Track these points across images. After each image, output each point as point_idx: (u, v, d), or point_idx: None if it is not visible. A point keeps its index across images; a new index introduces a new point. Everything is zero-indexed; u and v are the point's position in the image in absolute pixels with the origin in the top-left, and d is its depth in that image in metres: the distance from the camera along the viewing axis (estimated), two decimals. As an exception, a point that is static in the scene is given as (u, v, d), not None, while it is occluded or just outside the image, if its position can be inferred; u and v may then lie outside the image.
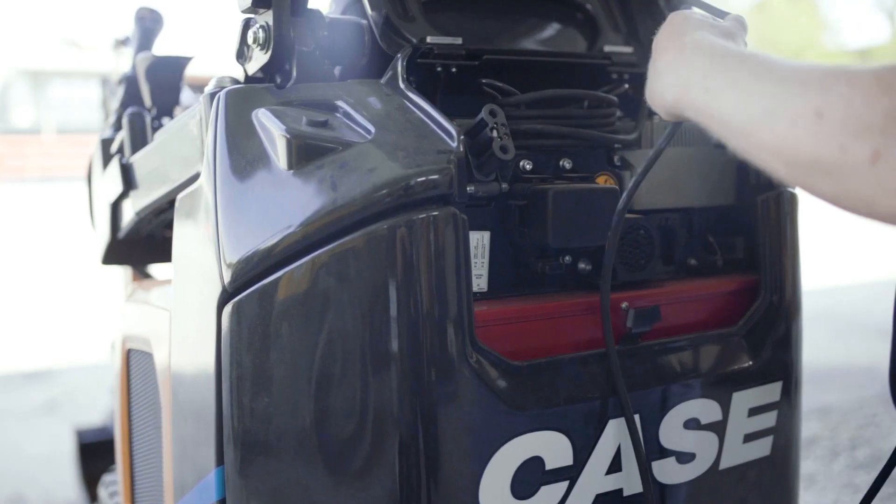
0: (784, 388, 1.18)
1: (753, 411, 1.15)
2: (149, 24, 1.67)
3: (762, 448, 1.17)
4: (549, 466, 0.99)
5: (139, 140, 1.40)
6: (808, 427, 3.35)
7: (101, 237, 1.55)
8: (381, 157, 0.94)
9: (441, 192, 0.92)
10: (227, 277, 0.98)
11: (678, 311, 1.13)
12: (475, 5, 1.23)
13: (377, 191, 0.91)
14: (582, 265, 1.10)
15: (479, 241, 1.04)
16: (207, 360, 1.03)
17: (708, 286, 1.17)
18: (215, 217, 1.02)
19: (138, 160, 1.37)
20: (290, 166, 0.97)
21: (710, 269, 1.20)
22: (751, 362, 1.14)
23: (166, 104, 1.48)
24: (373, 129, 0.98)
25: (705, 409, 1.10)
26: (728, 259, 1.21)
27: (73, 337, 4.84)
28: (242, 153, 1.02)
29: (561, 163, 1.08)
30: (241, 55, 1.13)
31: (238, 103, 1.06)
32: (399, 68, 1.05)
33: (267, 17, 1.07)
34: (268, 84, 1.09)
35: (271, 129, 0.99)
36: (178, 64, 1.48)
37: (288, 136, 0.96)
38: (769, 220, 1.17)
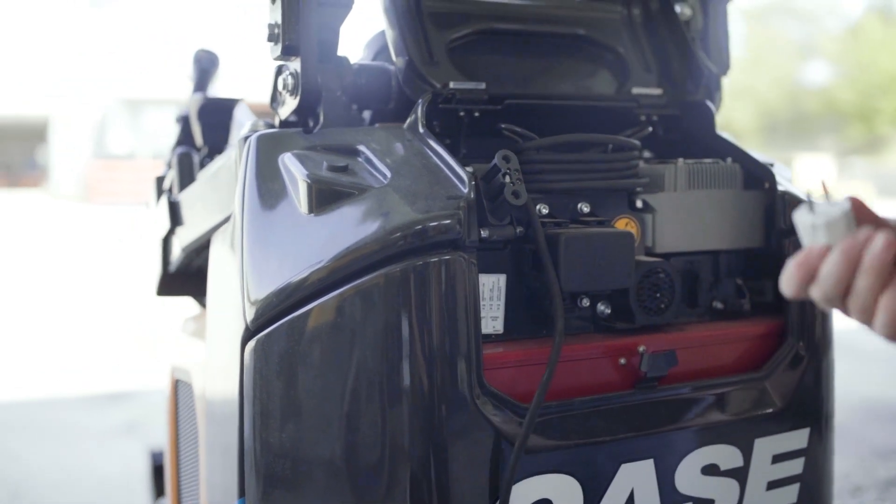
0: (812, 435, 1.16)
1: (778, 458, 1.13)
2: (205, 66, 1.74)
3: (788, 496, 1.14)
4: (558, 510, 1.00)
5: (187, 179, 1.46)
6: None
7: (154, 270, 1.62)
8: (394, 203, 0.98)
9: (450, 237, 0.94)
10: (249, 315, 1.03)
11: (700, 355, 1.13)
12: (504, 48, 1.26)
13: (388, 235, 0.94)
14: (601, 307, 1.10)
15: (495, 283, 1.06)
16: (233, 395, 1.07)
17: (732, 330, 1.16)
18: (241, 256, 1.06)
19: (184, 198, 1.44)
20: (310, 210, 1.01)
21: (737, 313, 1.19)
22: (775, 408, 1.12)
23: (216, 144, 1.54)
24: (389, 174, 1.01)
25: (725, 455, 1.09)
26: (757, 303, 1.20)
27: (157, 359, 5.01)
28: (268, 196, 1.07)
29: (579, 206, 1.10)
30: (275, 100, 1.18)
31: (267, 147, 1.10)
32: (419, 113, 1.09)
33: (296, 65, 1.12)
34: (297, 129, 1.14)
35: (294, 174, 1.04)
36: (228, 105, 1.54)
37: (308, 181, 1.01)
38: (796, 264, 1.15)
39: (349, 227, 0.98)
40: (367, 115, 1.25)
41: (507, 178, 0.99)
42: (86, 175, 21.98)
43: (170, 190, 1.52)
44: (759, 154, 1.31)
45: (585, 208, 1.10)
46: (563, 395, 1.04)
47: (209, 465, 1.23)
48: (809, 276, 0.71)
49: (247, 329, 1.03)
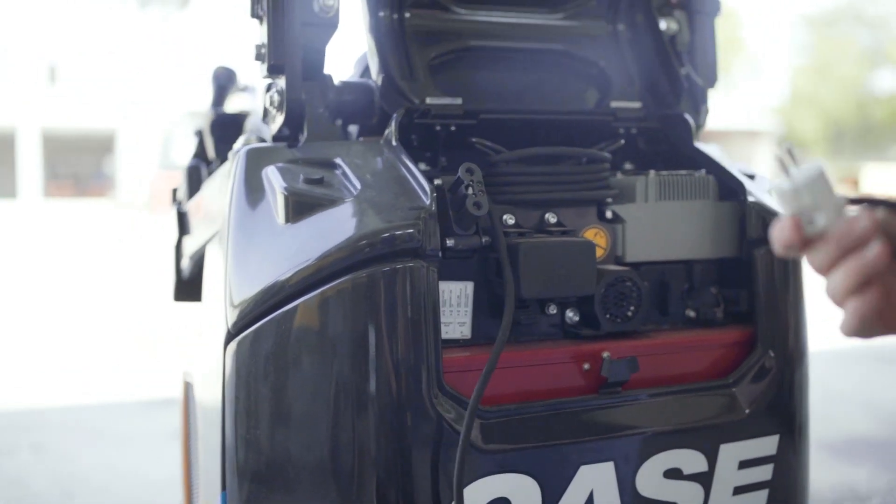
0: (781, 442, 1.17)
1: (745, 464, 1.15)
2: (222, 82, 1.83)
3: (756, 501, 1.16)
4: (517, 509, 1.03)
5: (194, 190, 1.54)
6: None
7: (170, 276, 1.70)
8: (361, 213, 1.03)
9: (411, 246, 1.00)
10: (230, 319, 1.09)
11: (668, 361, 1.16)
12: (486, 64, 1.31)
13: (354, 244, 1.00)
14: (570, 314, 1.14)
15: (462, 290, 1.10)
16: (217, 395, 1.13)
17: (701, 338, 1.19)
18: (225, 262, 1.13)
19: (190, 208, 1.51)
20: (286, 219, 1.07)
21: (709, 321, 1.22)
22: (741, 415, 1.15)
23: (227, 157, 1.62)
24: (360, 186, 1.07)
25: (688, 459, 1.12)
26: (731, 312, 1.23)
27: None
28: (252, 206, 1.14)
29: (546, 217, 1.14)
30: (265, 116, 1.25)
31: (254, 161, 1.17)
32: (392, 128, 1.14)
33: (282, 83, 1.18)
34: (284, 143, 1.20)
35: (274, 185, 1.10)
36: (238, 120, 1.62)
37: (285, 192, 1.07)
38: (766, 274, 1.18)
39: (320, 236, 1.04)
40: (354, 129, 1.31)
41: (470, 190, 1.04)
42: (150, 185, 22.56)
43: (180, 200, 1.60)
44: (741, 166, 1.34)
45: (552, 219, 1.14)
46: (528, 398, 1.08)
47: (203, 460, 1.30)
48: (802, 242, 0.70)
49: (228, 332, 1.10)
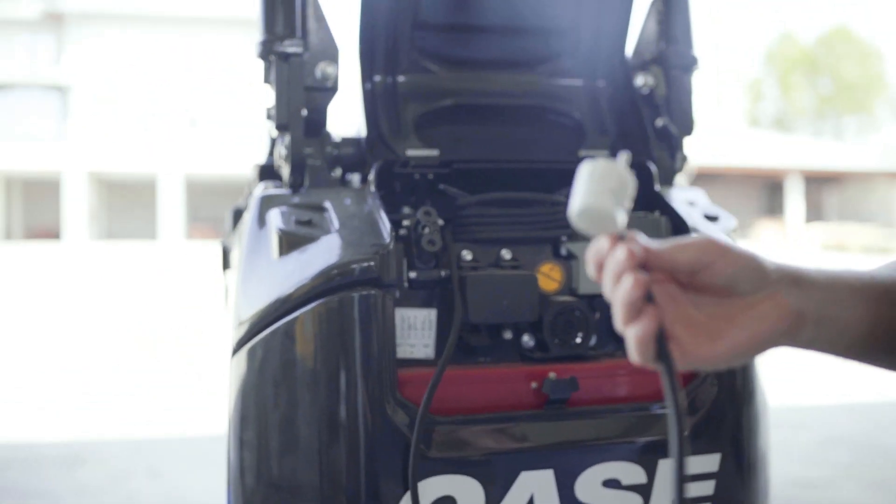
0: (724, 460, 1.28)
1: (685, 478, 1.26)
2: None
3: (698, 513, 1.27)
4: (462, 506, 1.19)
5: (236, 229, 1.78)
6: None
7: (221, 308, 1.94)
8: (333, 248, 1.22)
9: (370, 276, 1.18)
10: (233, 338, 1.30)
11: (613, 383, 1.29)
12: (468, 118, 1.48)
13: (324, 274, 1.19)
14: (526, 339, 1.30)
15: (427, 316, 1.27)
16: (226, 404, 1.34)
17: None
18: (235, 290, 1.34)
19: (230, 244, 1.75)
20: (279, 254, 1.27)
21: None
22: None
23: None
24: (338, 226, 1.26)
25: (627, 471, 1.24)
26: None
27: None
28: (257, 243, 1.35)
29: (501, 253, 1.30)
30: (277, 165, 1.47)
31: (265, 205, 1.39)
32: (371, 177, 1.33)
33: (287, 139, 1.40)
34: (288, 190, 1.41)
35: (271, 226, 1.31)
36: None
37: (279, 232, 1.27)
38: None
39: (301, 268, 1.23)
40: (357, 176, 1.51)
41: (426, 230, 1.22)
42: (282, 226, 23.57)
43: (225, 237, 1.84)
44: (708, 208, 1.46)
45: (507, 255, 1.30)
46: (480, 411, 1.24)
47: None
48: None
49: (232, 350, 1.30)
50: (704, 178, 26.87)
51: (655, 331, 0.72)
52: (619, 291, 0.72)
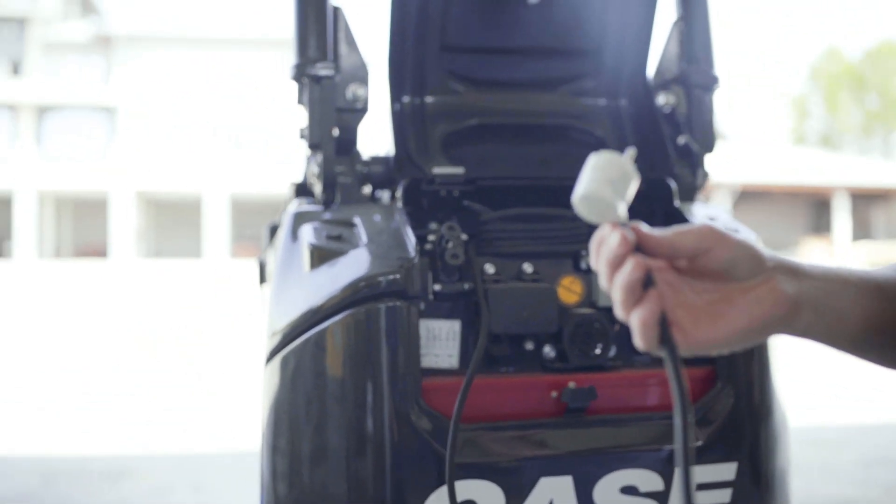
0: (741, 468, 1.31)
1: (703, 486, 1.30)
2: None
3: (715, 521, 1.30)
4: (483, 510, 1.23)
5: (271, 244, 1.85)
6: None
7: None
8: (362, 262, 1.28)
9: (396, 289, 1.23)
10: (266, 348, 1.36)
11: (632, 394, 1.33)
12: (493, 137, 1.54)
13: (353, 286, 1.25)
14: (547, 350, 1.34)
15: (451, 328, 1.32)
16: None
17: (665, 374, 1.34)
18: (270, 302, 1.41)
19: (266, 259, 1.82)
20: (310, 267, 1.33)
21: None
22: (699, 443, 1.30)
23: None
24: (366, 241, 1.32)
25: (644, 478, 1.27)
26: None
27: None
28: (291, 257, 1.41)
29: (523, 267, 1.35)
30: (311, 182, 1.53)
31: (298, 221, 1.45)
32: (398, 194, 1.39)
33: (319, 158, 1.46)
34: (321, 206, 1.48)
35: (303, 240, 1.37)
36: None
37: (310, 247, 1.34)
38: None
39: (330, 281, 1.29)
40: (386, 193, 1.57)
41: (450, 244, 1.27)
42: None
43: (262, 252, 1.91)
44: (730, 223, 1.50)
45: (529, 269, 1.35)
46: (503, 418, 1.29)
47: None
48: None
49: (265, 359, 1.37)
50: (751, 197, 26.66)
51: (658, 314, 0.73)
52: (619, 276, 0.73)
